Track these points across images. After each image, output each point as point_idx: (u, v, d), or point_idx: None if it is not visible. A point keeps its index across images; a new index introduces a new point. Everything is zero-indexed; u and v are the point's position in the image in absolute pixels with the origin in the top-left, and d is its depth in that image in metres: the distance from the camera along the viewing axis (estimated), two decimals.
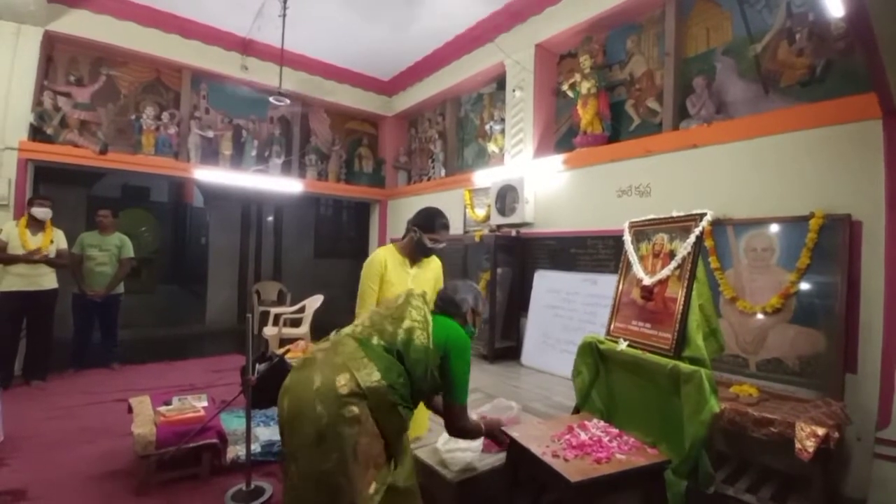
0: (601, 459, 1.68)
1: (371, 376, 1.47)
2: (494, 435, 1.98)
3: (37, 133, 4.49)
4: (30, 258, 4.00)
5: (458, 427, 1.72)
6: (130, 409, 2.81)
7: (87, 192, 6.78)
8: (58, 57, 4.76)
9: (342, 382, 1.44)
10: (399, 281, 2.30)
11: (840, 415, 2.13)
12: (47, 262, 4.12)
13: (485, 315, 2.01)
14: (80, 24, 4.61)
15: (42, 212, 4.08)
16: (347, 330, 1.68)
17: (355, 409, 1.42)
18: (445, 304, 1.84)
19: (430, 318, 1.68)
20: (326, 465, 1.38)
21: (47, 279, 4.14)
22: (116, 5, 4.71)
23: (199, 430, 2.54)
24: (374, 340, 1.57)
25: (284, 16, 4.42)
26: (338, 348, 1.57)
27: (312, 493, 1.41)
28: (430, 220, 2.33)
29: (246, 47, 5.47)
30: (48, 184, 5.65)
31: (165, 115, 5.23)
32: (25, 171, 4.39)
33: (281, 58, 4.82)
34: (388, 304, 1.78)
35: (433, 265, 2.51)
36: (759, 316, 2.66)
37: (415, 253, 2.38)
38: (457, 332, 1.69)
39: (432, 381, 1.61)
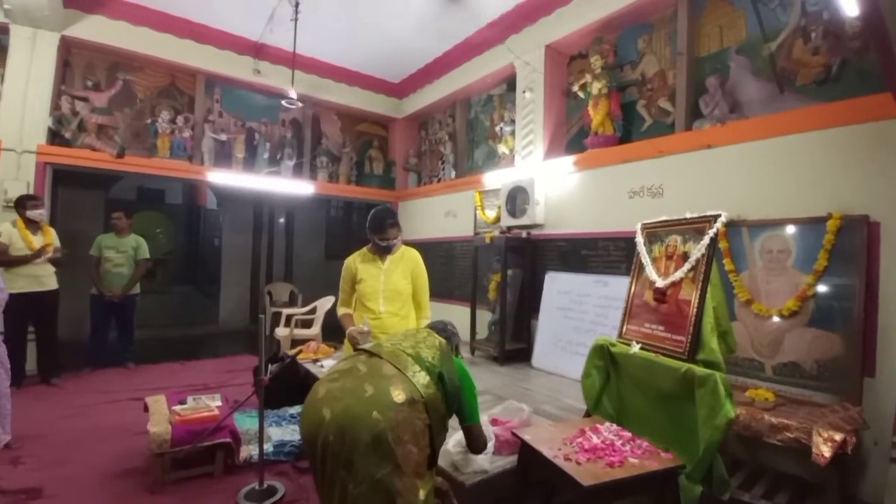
0: (614, 463, 1.66)
1: (428, 388, 1.56)
2: None
3: (55, 137, 4.58)
4: (39, 257, 4.02)
5: (482, 444, 1.84)
6: (146, 408, 2.85)
7: (104, 195, 6.90)
8: (75, 62, 4.85)
9: (398, 392, 1.48)
10: (371, 275, 2.63)
11: (857, 419, 2.09)
12: (53, 261, 4.17)
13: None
14: (95, 30, 4.69)
15: (37, 213, 4.06)
16: (394, 346, 1.71)
17: (411, 416, 1.47)
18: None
19: (453, 355, 1.81)
20: (381, 471, 1.39)
21: (51, 279, 4.18)
22: (131, 11, 4.80)
23: (213, 430, 2.57)
24: (426, 357, 1.66)
25: (296, 20, 4.46)
26: (390, 360, 1.61)
27: (369, 497, 1.40)
28: (379, 222, 2.59)
29: (258, 51, 5.53)
30: (66, 187, 5.77)
31: (180, 119, 5.31)
32: (44, 174, 4.48)
33: (292, 61, 4.86)
34: (417, 333, 1.87)
35: (407, 256, 2.74)
36: (775, 319, 2.62)
37: (379, 251, 2.66)
38: (464, 368, 1.83)
39: (452, 408, 1.71)
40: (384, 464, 1.40)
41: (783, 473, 2.39)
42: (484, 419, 2.24)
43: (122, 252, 4.83)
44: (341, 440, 1.41)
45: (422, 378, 1.57)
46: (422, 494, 1.45)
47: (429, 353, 1.69)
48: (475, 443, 1.81)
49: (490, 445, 2.04)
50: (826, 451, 1.87)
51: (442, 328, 2.02)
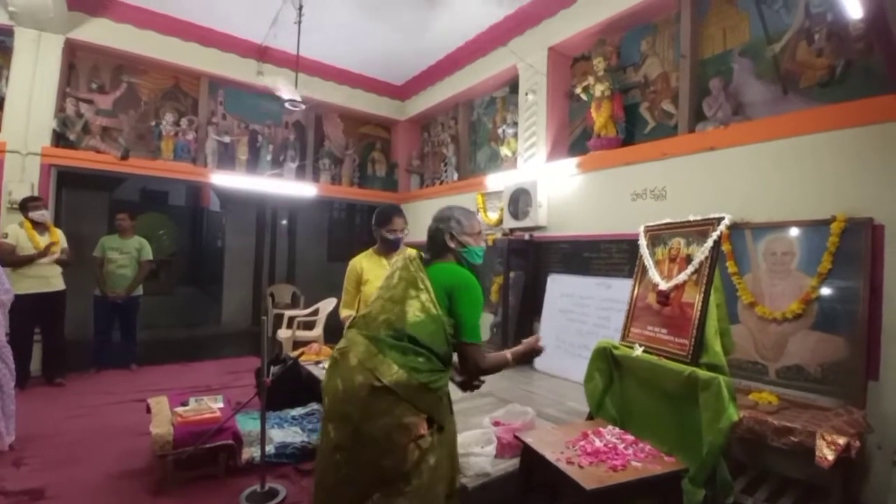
0: (617, 467, 1.65)
1: (390, 370, 1.49)
2: (529, 354, 1.80)
3: (59, 139, 4.60)
4: (43, 256, 4.05)
5: (476, 367, 1.64)
6: (149, 409, 2.86)
7: (108, 197, 6.93)
8: (80, 64, 4.88)
9: (360, 381, 1.50)
10: (377, 276, 2.56)
11: (861, 423, 2.08)
12: (60, 262, 4.20)
13: (480, 233, 1.83)
14: (101, 33, 4.72)
15: (39, 215, 4.07)
16: (357, 327, 1.66)
17: (381, 405, 1.48)
18: (432, 246, 1.77)
19: (426, 280, 1.60)
20: (367, 455, 1.48)
21: (58, 280, 4.21)
22: (136, 14, 4.82)
23: (216, 431, 2.57)
24: (383, 334, 1.56)
25: (300, 23, 4.48)
26: (352, 349, 1.58)
27: (363, 472, 1.49)
28: (384, 215, 2.59)
29: (262, 54, 5.55)
30: (71, 188, 5.79)
31: (184, 122, 5.33)
32: (48, 176, 4.50)
33: (296, 64, 4.87)
34: (387, 285, 1.71)
35: None
36: (779, 322, 2.61)
37: (386, 249, 2.64)
38: (456, 274, 1.64)
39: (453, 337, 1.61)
40: (367, 449, 1.49)
41: (787, 477, 2.37)
42: (486, 421, 2.24)
43: (126, 253, 4.84)
44: (334, 428, 1.56)
45: (379, 362, 1.50)
46: (416, 455, 1.48)
47: (398, 310, 1.57)
48: (465, 362, 1.63)
49: (492, 447, 2.03)
50: (829, 455, 1.86)
51: (431, 236, 1.78)
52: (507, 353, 1.74)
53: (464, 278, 1.63)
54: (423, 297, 1.58)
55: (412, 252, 1.77)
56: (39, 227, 4.11)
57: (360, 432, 1.48)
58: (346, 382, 1.53)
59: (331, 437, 1.56)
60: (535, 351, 1.80)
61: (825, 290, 2.46)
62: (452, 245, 1.73)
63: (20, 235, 4.00)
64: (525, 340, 1.82)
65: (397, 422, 1.47)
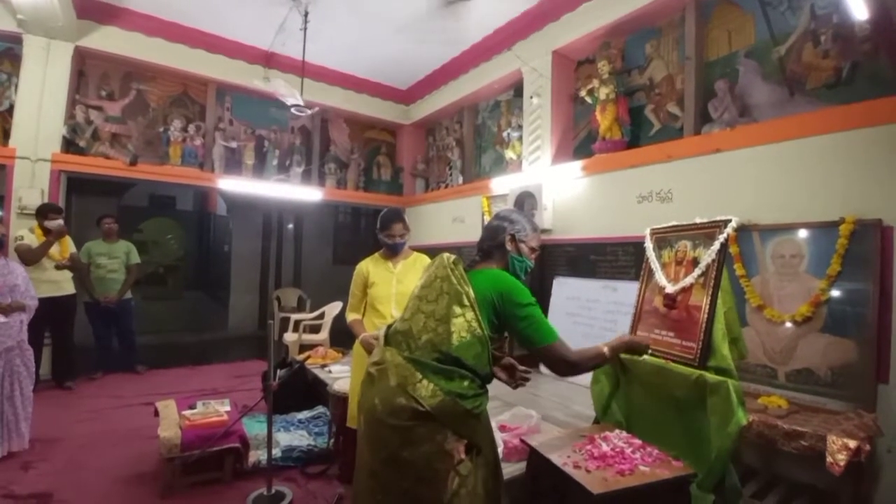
0: (624, 471, 1.64)
1: (435, 396, 1.40)
2: (633, 349, 1.88)
3: (69, 145, 4.66)
4: (63, 266, 4.15)
5: (566, 364, 1.55)
6: (157, 413, 2.88)
7: (116, 202, 6.99)
8: (89, 72, 4.94)
9: (402, 404, 1.40)
10: (383, 281, 2.61)
11: (872, 427, 2.06)
12: (72, 268, 4.28)
13: (535, 250, 1.76)
14: (110, 41, 4.79)
15: (55, 224, 4.14)
16: (396, 346, 1.55)
17: (422, 431, 1.39)
18: (485, 241, 1.71)
19: (472, 294, 1.50)
20: (405, 483, 1.40)
21: (68, 284, 4.30)
22: (145, 22, 4.89)
23: (223, 435, 2.59)
24: (427, 357, 1.46)
25: (305, 29, 4.52)
26: (391, 369, 1.47)
27: (399, 502, 1.42)
28: (383, 221, 2.62)
29: (268, 60, 5.61)
30: (79, 194, 5.85)
31: (192, 128, 5.39)
32: (58, 182, 4.56)
33: (302, 70, 4.92)
34: (425, 295, 1.58)
35: (419, 262, 2.71)
36: (788, 325, 2.59)
37: (389, 253, 2.68)
38: (500, 281, 1.53)
39: (496, 351, 1.56)
40: (406, 476, 1.40)
41: (797, 482, 2.35)
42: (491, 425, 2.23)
43: (116, 258, 4.88)
44: (368, 450, 1.48)
45: (422, 387, 1.40)
46: (456, 482, 1.39)
47: (442, 330, 1.47)
48: (554, 366, 1.54)
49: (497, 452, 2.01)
50: (840, 459, 1.84)
51: (486, 229, 1.75)
52: (604, 347, 1.70)
53: (510, 283, 1.54)
54: (469, 315, 1.47)
55: (451, 256, 1.63)
56: (49, 233, 4.17)
57: (398, 458, 1.39)
58: (385, 404, 1.42)
59: (366, 459, 1.49)
60: (641, 348, 1.87)
61: (834, 293, 2.44)
62: (509, 247, 1.68)
63: (32, 241, 4.08)
64: (629, 336, 1.84)
65: (438, 448, 1.39)
